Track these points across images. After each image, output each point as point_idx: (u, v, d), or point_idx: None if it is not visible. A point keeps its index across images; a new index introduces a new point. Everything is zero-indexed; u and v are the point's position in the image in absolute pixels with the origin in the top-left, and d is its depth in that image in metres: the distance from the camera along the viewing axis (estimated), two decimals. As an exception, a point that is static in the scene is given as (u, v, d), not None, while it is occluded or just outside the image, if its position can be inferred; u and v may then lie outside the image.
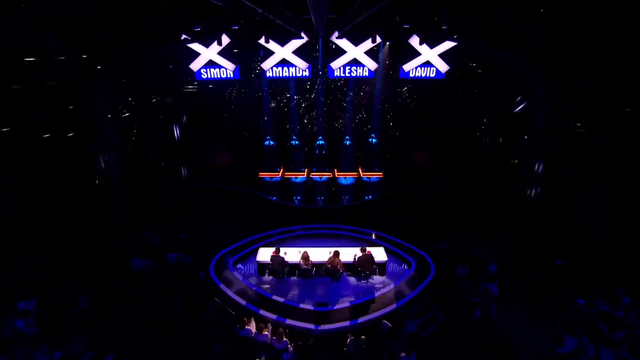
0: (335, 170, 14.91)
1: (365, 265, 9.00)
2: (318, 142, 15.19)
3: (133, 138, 13.71)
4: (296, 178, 14.90)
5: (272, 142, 15.16)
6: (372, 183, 14.72)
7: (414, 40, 10.38)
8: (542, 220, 11.33)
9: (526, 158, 12.23)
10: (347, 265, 9.35)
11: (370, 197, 14.09)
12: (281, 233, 11.36)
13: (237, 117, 15.65)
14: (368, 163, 15.14)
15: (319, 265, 9.35)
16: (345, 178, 14.84)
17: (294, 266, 9.29)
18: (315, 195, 14.08)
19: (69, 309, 7.68)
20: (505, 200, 12.74)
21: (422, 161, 15.62)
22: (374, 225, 11.51)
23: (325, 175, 14.91)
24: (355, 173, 14.96)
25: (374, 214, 12.57)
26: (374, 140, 15.19)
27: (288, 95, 15.10)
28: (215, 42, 9.86)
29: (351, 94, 14.98)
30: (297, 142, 15.23)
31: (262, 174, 14.89)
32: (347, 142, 15.17)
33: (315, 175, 14.92)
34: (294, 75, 11.11)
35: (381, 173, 14.93)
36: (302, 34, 10.27)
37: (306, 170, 15.02)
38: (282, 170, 15.02)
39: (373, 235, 11.14)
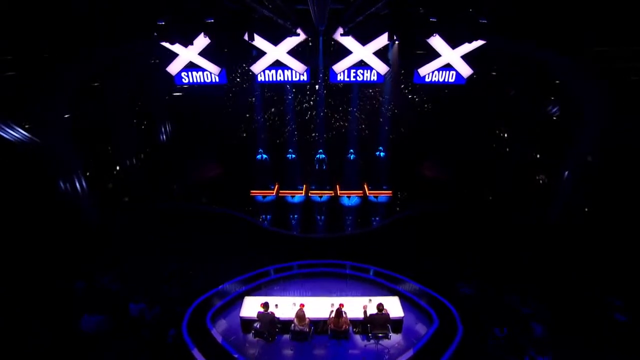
0: (338, 188, 13.02)
1: (378, 325, 7.08)
2: (318, 156, 13.29)
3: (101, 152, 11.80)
4: (293, 197, 12.99)
5: (265, 156, 13.24)
6: (379, 204, 12.81)
7: (434, 39, 8.71)
8: (589, 255, 9.45)
9: (569, 177, 10.35)
10: (354, 321, 7.44)
11: (377, 219, 12.15)
12: (276, 271, 9.41)
13: (226, 127, 13.80)
14: (375, 180, 13.25)
15: (318, 322, 7.44)
16: (349, 198, 12.94)
17: (287, 323, 7.36)
18: (314, 218, 12.15)
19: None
20: (541, 227, 10.87)
21: (438, 178, 13.74)
22: (383, 261, 9.57)
23: (326, 194, 13.00)
24: (361, 191, 13.07)
25: (383, 245, 10.60)
26: (381, 153, 13.29)
27: (284, 102, 13.21)
28: (191, 41, 7.97)
29: (356, 100, 13.10)
30: (293, 156, 13.34)
31: (254, 192, 13.01)
32: (351, 156, 13.26)
33: (315, 194, 13.01)
34: (289, 79, 9.54)
35: (390, 191, 13.06)
36: (299, 31, 8.46)
37: (304, 188, 13.12)
38: (276, 187, 13.11)
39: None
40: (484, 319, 7.61)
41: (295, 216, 12.31)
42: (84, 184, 10.56)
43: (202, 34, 7.55)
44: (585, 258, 9.45)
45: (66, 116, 10.16)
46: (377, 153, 13.31)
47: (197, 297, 8.29)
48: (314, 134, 13.82)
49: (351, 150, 13.28)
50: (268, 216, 12.23)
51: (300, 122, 13.65)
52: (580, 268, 9.17)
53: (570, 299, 8.15)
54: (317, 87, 12.77)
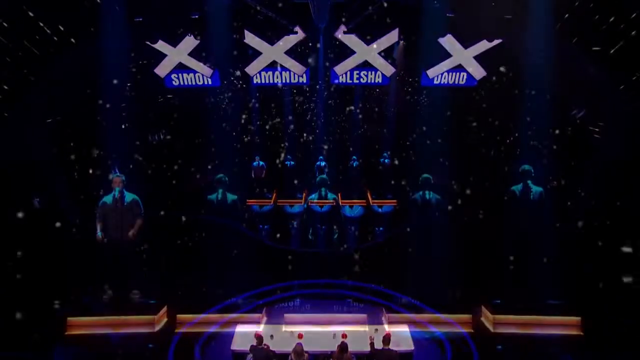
0: (340, 197, 12.21)
1: (384, 360, 6.29)
2: (318, 163, 12.48)
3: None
4: (291, 207, 12.17)
5: (261, 163, 12.49)
6: (384, 214, 12.01)
7: (445, 39, 8.10)
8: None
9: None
10: (358, 355, 6.66)
11: (382, 231, 11.40)
12: (273, 292, 8.69)
13: (221, 132, 13.05)
14: (379, 188, 12.45)
15: (318, 356, 6.68)
16: (351, 207, 12.12)
17: (284, 357, 6.58)
18: (314, 230, 11.42)
19: None
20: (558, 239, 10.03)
21: (445, 184, 12.94)
22: (389, 280, 8.82)
23: (327, 203, 12.20)
24: (364, 201, 12.27)
25: (389, 262, 9.82)
26: (386, 160, 12.52)
27: (282, 105, 12.45)
28: (175, 39, 7.29)
29: (359, 103, 12.31)
30: (292, 163, 12.61)
31: (251, 201, 12.21)
32: (354, 164, 12.49)
33: (315, 204, 12.22)
34: (287, 81, 9.21)
35: (395, 201, 12.24)
36: (297, 29, 7.80)
37: (304, 197, 12.32)
38: (274, 196, 12.32)
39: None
40: (506, 350, 6.82)
41: (294, 227, 11.57)
42: (67, 192, 9.85)
43: (189, 33, 6.81)
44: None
45: (49, 120, 9.54)
46: (382, 160, 12.55)
47: (183, 324, 7.53)
48: (314, 139, 13.07)
49: (354, 157, 12.52)
50: (265, 227, 11.48)
51: (300, 127, 12.89)
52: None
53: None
54: (317, 89, 12.03)
